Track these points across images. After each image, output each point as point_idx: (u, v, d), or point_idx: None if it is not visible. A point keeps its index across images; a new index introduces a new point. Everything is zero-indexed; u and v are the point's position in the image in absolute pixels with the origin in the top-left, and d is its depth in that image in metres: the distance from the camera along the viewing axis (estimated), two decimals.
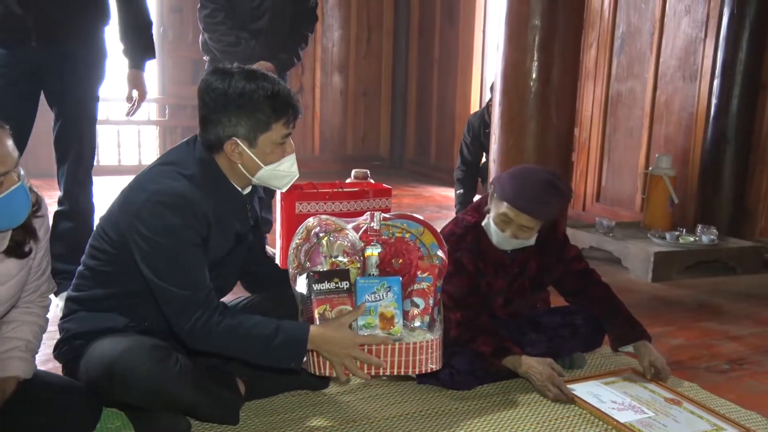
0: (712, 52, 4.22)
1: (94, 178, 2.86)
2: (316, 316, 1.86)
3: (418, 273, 1.97)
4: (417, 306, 1.95)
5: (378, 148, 7.80)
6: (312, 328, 1.78)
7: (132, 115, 2.97)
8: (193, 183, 1.77)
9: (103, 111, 6.58)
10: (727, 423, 1.99)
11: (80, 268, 1.88)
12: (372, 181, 3.48)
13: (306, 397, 2.07)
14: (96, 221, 2.82)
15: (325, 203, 2.93)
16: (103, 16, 2.76)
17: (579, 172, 5.26)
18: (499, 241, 2.25)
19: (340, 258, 1.98)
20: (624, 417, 1.98)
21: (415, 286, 1.96)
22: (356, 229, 2.04)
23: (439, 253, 2.02)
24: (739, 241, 3.99)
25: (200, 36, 3.68)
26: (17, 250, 1.66)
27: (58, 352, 1.86)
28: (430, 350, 1.89)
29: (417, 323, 1.93)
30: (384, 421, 1.94)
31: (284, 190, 2.00)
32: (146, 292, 1.77)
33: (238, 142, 1.78)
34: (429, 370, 1.91)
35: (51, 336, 1.92)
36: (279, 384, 2.07)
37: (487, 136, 4.41)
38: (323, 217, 2.04)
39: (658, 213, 4.08)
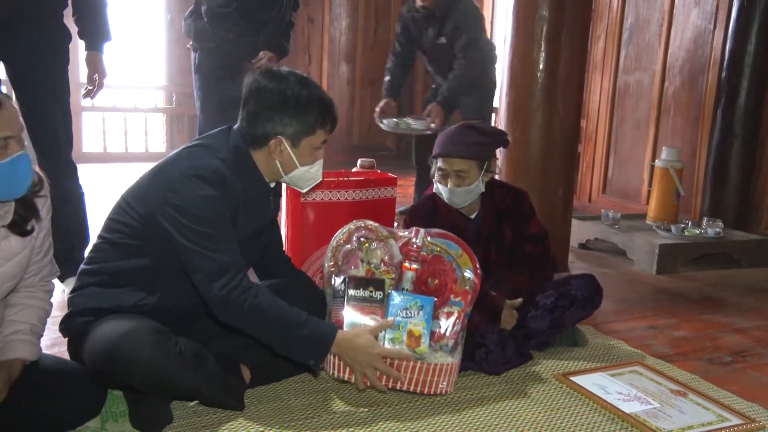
0: (720, 44, 4.20)
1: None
2: (346, 321, 1.90)
3: (451, 296, 2.02)
4: (445, 329, 1.99)
5: (384, 138, 7.78)
6: (340, 332, 1.84)
7: (92, 98, 2.89)
8: (225, 164, 1.83)
9: (110, 98, 6.60)
10: (733, 414, 1.99)
11: (97, 242, 1.89)
12: (378, 170, 3.49)
13: (310, 384, 2.09)
14: (87, 205, 2.85)
15: (330, 192, 2.93)
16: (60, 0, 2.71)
17: (585, 163, 5.26)
18: (449, 197, 2.34)
19: (377, 266, 2.04)
20: (630, 408, 1.99)
21: (446, 309, 2.01)
22: (396, 238, 2.09)
23: (471, 276, 2.05)
24: (744, 234, 3.98)
25: (185, 21, 3.60)
26: (21, 225, 1.67)
27: (64, 326, 1.86)
28: (447, 373, 1.94)
29: (442, 345, 1.98)
30: (387, 408, 1.96)
31: (305, 191, 2.10)
32: (167, 267, 1.81)
33: (283, 140, 1.87)
34: (440, 392, 1.96)
35: (56, 321, 1.92)
36: (283, 370, 2.08)
37: (416, 21, 4.17)
38: (369, 222, 2.11)
39: (664, 205, 4.07)
